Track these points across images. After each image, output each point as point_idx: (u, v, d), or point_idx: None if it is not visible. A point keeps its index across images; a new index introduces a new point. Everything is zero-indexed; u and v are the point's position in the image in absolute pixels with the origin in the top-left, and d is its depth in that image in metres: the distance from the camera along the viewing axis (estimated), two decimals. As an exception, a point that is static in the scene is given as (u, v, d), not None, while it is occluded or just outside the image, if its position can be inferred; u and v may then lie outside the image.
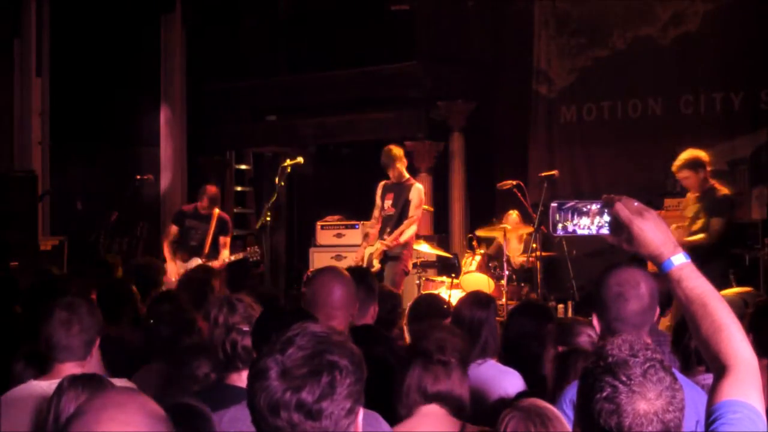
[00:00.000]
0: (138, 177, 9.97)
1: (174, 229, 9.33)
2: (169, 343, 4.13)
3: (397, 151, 8.71)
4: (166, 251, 9.26)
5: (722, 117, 10.74)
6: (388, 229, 8.51)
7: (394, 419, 3.12)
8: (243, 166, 13.71)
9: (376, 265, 8.40)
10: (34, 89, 11.64)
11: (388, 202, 8.64)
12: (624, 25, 11.32)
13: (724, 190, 7.63)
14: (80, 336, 3.57)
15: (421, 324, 3.44)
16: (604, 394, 1.87)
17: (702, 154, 7.70)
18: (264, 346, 1.94)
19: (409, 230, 8.49)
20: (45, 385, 3.48)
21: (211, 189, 9.40)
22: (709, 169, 7.66)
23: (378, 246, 8.48)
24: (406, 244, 8.53)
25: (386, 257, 8.45)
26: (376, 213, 8.77)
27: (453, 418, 3.10)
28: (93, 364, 3.62)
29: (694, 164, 7.62)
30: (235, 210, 13.45)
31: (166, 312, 4.37)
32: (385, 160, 8.63)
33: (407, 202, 8.52)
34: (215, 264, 8.99)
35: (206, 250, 9.14)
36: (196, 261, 8.99)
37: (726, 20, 10.65)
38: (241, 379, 3.33)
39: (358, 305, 4.16)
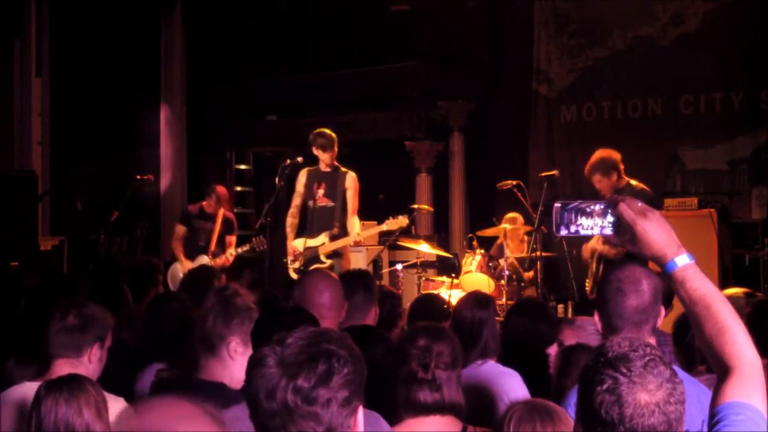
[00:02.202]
0: (138, 177, 9.97)
1: (182, 229, 9.40)
2: (174, 342, 4.11)
3: (335, 135, 8.29)
4: (178, 251, 9.34)
5: (722, 117, 10.75)
6: (337, 224, 8.07)
7: (393, 419, 3.11)
8: (243, 166, 13.70)
9: (327, 261, 8.01)
10: (34, 89, 11.64)
11: (320, 191, 8.18)
12: (624, 25, 11.33)
13: (641, 185, 7.52)
14: (75, 331, 3.56)
15: (408, 330, 3.37)
16: (605, 386, 1.88)
17: (612, 155, 7.44)
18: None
19: (358, 222, 8.15)
20: (36, 386, 3.48)
21: (220, 189, 9.43)
22: (621, 167, 7.44)
23: (325, 241, 8.05)
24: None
25: (333, 253, 8.09)
26: (297, 201, 8.33)
27: (453, 418, 3.09)
28: (92, 368, 3.59)
29: (605, 166, 7.36)
30: (235, 210, 13.43)
31: (173, 311, 4.34)
32: (326, 142, 8.13)
33: (345, 192, 8.13)
34: (220, 261, 9.01)
35: (212, 248, 9.18)
36: (204, 260, 9.02)
37: (726, 20, 10.66)
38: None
39: (346, 307, 4.16)
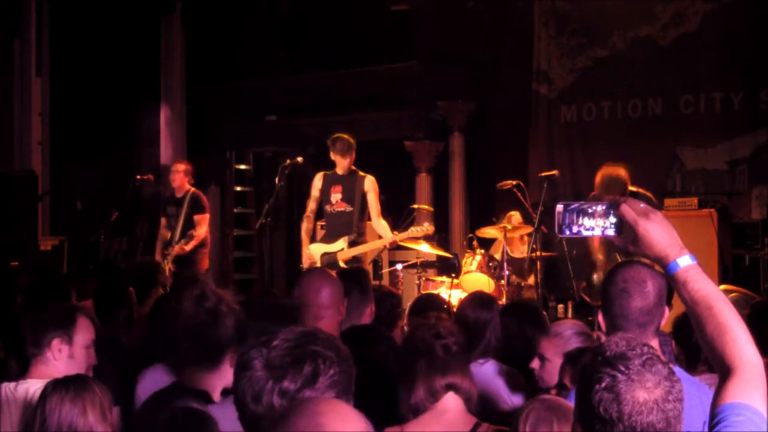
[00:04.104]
0: (138, 177, 9.96)
1: (163, 220, 9.39)
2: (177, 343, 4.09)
3: (353, 140, 8.19)
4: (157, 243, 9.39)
5: (722, 117, 10.76)
6: (356, 229, 7.98)
7: (395, 418, 3.11)
8: (243, 166, 13.70)
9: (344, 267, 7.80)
10: (34, 89, 11.63)
11: (336, 196, 8.05)
12: (624, 25, 11.33)
13: (642, 190, 7.53)
14: (37, 328, 3.59)
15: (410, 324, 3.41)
16: (603, 384, 1.89)
17: (623, 173, 7.45)
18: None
19: (385, 224, 8.09)
20: (12, 387, 3.53)
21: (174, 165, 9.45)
22: (629, 184, 7.41)
23: (344, 246, 7.94)
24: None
25: (352, 259, 7.95)
26: (312, 206, 8.19)
27: (468, 414, 3.08)
28: (62, 366, 3.58)
29: (622, 186, 7.34)
30: (235, 210, 13.45)
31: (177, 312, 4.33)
32: (345, 147, 8.03)
33: (364, 196, 8.01)
34: (174, 250, 8.93)
35: (177, 235, 9.06)
36: (172, 249, 9.00)
37: (726, 20, 10.66)
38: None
39: (345, 305, 4.15)
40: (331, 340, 1.94)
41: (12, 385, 3.52)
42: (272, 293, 4.90)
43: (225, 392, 3.14)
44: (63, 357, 3.59)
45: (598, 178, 7.55)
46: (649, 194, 7.53)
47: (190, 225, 9.06)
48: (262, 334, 2.94)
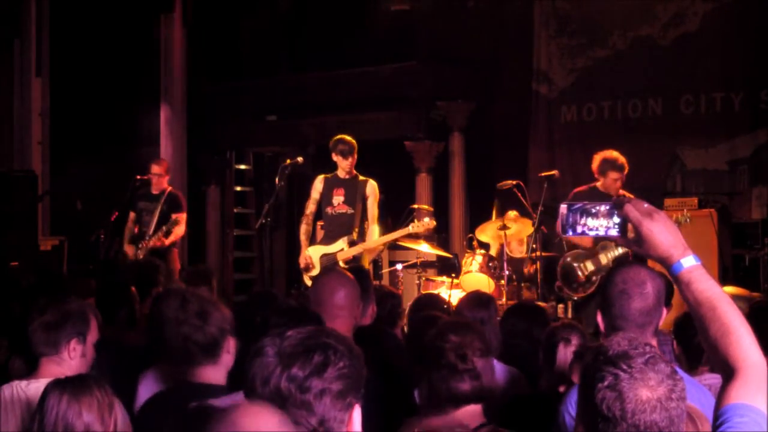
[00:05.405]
0: (138, 177, 9.95)
1: (131, 214, 9.39)
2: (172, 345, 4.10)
3: (355, 142, 8.21)
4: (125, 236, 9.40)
5: (722, 117, 10.76)
6: (357, 230, 8.00)
7: (400, 417, 3.11)
8: (243, 166, 13.71)
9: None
10: (34, 89, 11.63)
11: (338, 198, 8.08)
12: (624, 25, 11.33)
13: (629, 195, 7.67)
14: (51, 328, 3.59)
15: (427, 326, 3.38)
16: (606, 383, 1.90)
17: (620, 155, 7.85)
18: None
19: (377, 230, 8.09)
20: (23, 385, 3.53)
21: (152, 166, 9.43)
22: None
23: (344, 247, 7.94)
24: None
25: (351, 259, 7.94)
26: (312, 208, 8.21)
27: (482, 415, 3.07)
28: (75, 365, 3.60)
29: (621, 164, 7.76)
30: (235, 210, 13.46)
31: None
32: (347, 149, 8.04)
33: (365, 200, 8.03)
34: (151, 242, 8.92)
35: (150, 231, 9.07)
36: (146, 242, 8.98)
37: (726, 20, 10.67)
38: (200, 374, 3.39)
39: (361, 307, 4.15)
40: (344, 337, 1.99)
41: (23, 383, 3.53)
42: (273, 294, 4.90)
43: (231, 389, 3.19)
44: (77, 356, 3.62)
45: (596, 163, 7.75)
46: (630, 196, 7.61)
47: (165, 222, 9.09)
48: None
